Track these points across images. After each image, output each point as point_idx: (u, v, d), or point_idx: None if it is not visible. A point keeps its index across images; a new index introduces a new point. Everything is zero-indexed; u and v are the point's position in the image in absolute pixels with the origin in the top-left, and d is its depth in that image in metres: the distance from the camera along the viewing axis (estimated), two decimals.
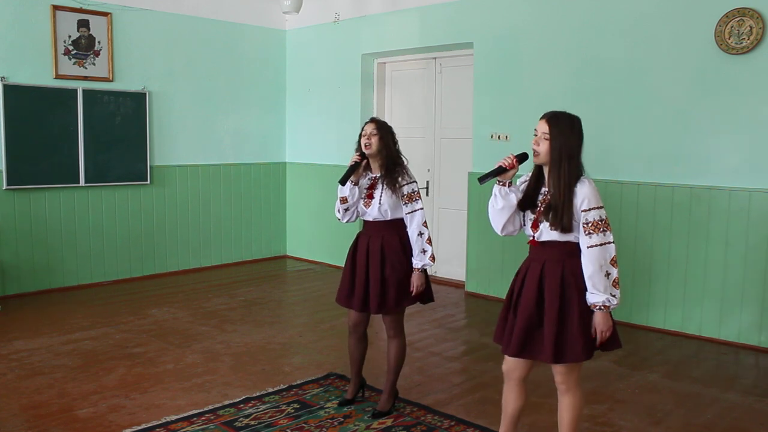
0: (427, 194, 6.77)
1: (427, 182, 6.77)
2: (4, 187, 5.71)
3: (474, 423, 3.41)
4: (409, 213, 3.33)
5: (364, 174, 3.41)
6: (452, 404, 3.67)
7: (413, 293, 3.35)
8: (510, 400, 2.79)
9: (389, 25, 6.66)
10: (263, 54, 7.53)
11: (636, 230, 5.14)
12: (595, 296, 2.50)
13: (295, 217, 7.85)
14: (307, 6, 6.91)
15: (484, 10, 5.92)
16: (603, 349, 2.61)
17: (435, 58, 6.66)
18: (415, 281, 3.33)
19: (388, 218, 3.35)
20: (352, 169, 3.33)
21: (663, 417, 3.55)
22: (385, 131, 3.34)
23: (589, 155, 5.32)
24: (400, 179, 3.32)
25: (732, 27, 4.56)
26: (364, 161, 3.37)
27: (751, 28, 4.49)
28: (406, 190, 3.32)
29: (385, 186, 3.31)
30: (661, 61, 4.93)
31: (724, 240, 4.74)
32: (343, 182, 3.33)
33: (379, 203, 3.33)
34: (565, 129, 2.52)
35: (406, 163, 3.42)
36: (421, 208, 3.33)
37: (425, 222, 3.33)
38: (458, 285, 6.47)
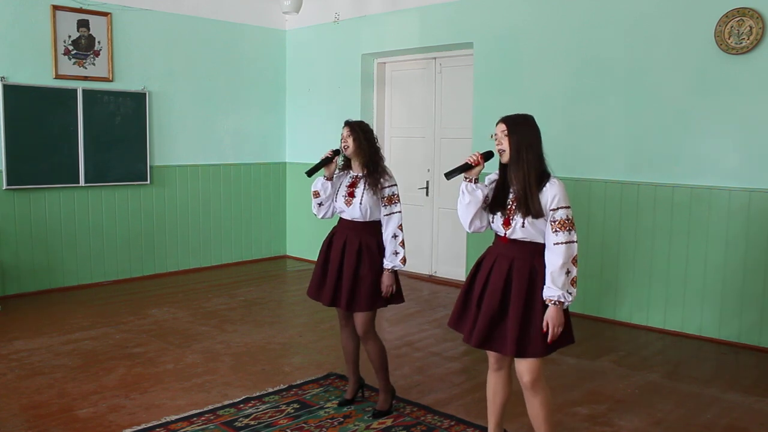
0: (427, 194, 6.78)
1: (427, 182, 6.77)
2: (4, 187, 5.71)
3: (474, 423, 3.41)
4: (387, 215, 3.36)
5: (345, 172, 3.46)
6: (452, 404, 3.67)
7: (383, 293, 3.36)
8: (498, 390, 2.88)
9: (389, 25, 6.66)
10: (263, 54, 7.54)
11: (636, 230, 5.14)
12: (551, 290, 2.58)
13: (295, 217, 7.85)
14: (307, 6, 6.91)
15: (484, 10, 5.92)
16: (556, 346, 2.66)
17: (435, 58, 6.66)
18: (386, 281, 3.35)
19: (368, 219, 3.37)
20: (322, 163, 3.40)
21: (663, 417, 3.55)
22: (358, 132, 3.38)
23: (589, 155, 5.34)
24: (382, 180, 3.35)
25: (732, 27, 4.56)
26: (336, 158, 3.43)
27: (751, 28, 4.49)
28: (387, 192, 3.35)
29: (367, 186, 3.35)
30: (661, 61, 4.93)
31: (724, 240, 4.74)
32: (309, 174, 3.42)
33: (360, 203, 3.35)
34: (520, 122, 2.68)
35: (383, 161, 3.45)
36: (400, 212, 3.37)
37: (401, 225, 3.36)
38: (458, 285, 6.46)
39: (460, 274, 6.46)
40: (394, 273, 3.39)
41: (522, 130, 2.65)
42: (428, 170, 6.76)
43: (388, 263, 3.35)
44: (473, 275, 2.83)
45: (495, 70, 5.89)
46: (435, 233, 6.79)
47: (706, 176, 4.80)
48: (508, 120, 2.69)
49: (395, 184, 3.40)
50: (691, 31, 4.77)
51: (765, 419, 3.55)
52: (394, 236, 3.34)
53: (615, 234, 5.25)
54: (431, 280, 6.72)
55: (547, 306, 2.60)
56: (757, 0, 4.48)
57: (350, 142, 3.36)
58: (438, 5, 6.23)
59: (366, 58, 7.00)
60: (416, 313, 5.52)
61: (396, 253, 3.34)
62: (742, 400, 3.80)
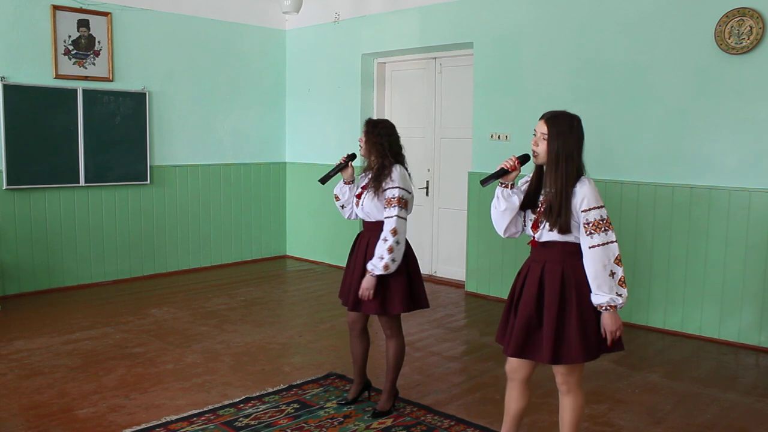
0: (427, 194, 6.78)
1: (427, 182, 6.77)
2: (4, 187, 5.71)
3: (474, 423, 3.41)
4: (384, 218, 3.26)
5: (365, 174, 3.43)
6: (452, 404, 3.67)
7: (359, 295, 3.27)
8: (513, 400, 2.79)
9: (389, 25, 6.66)
10: (263, 54, 7.53)
11: (636, 230, 5.14)
12: (599, 297, 2.49)
13: (295, 217, 7.85)
14: (307, 6, 6.92)
15: (484, 10, 5.92)
16: (602, 351, 2.59)
17: (435, 58, 6.66)
18: (363, 284, 3.25)
19: (372, 219, 3.35)
20: (336, 170, 3.39)
21: (663, 417, 3.55)
22: (373, 132, 3.34)
23: (589, 155, 5.33)
24: (384, 183, 3.27)
25: (732, 27, 4.56)
26: (350, 162, 3.43)
27: (751, 28, 4.49)
28: (387, 194, 3.26)
29: (370, 187, 3.34)
30: (661, 61, 4.93)
31: (724, 240, 4.74)
32: (322, 182, 3.41)
33: (362, 204, 3.35)
34: (563, 129, 2.51)
35: (405, 160, 3.41)
36: (396, 216, 3.21)
37: (394, 229, 3.19)
38: (458, 285, 6.47)
39: (460, 274, 6.46)
40: (378, 277, 3.25)
41: (564, 138, 2.49)
42: (428, 170, 6.76)
43: (369, 265, 3.24)
44: (514, 286, 2.73)
45: (495, 70, 5.89)
46: (435, 233, 6.79)
47: (706, 176, 4.80)
48: (552, 122, 2.52)
49: (398, 187, 3.25)
50: (691, 31, 4.77)
51: (765, 419, 3.55)
52: (384, 240, 3.21)
53: (615, 234, 5.24)
54: (431, 280, 6.72)
55: (583, 309, 2.51)
56: (757, 0, 4.48)
57: (363, 142, 3.38)
58: (438, 5, 6.23)
59: (366, 58, 7.00)
60: (416, 313, 5.51)
61: (381, 258, 3.19)
62: (742, 400, 3.80)
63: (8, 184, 5.71)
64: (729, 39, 4.58)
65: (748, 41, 4.50)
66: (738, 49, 4.55)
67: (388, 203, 3.25)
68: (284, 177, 7.89)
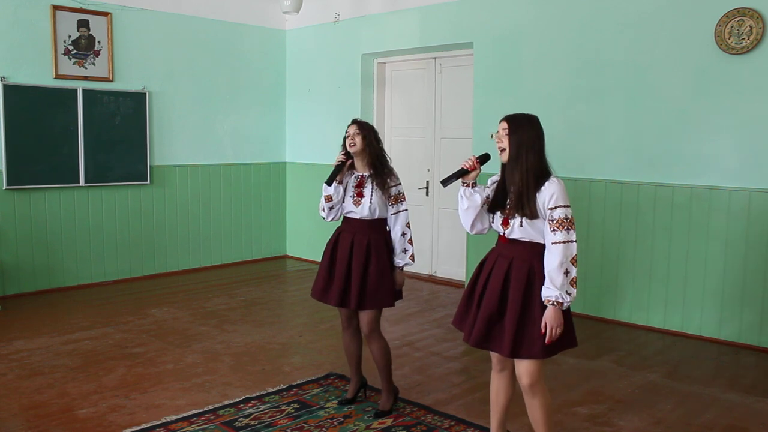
0: (427, 194, 6.78)
1: (427, 182, 6.77)
2: (4, 187, 5.71)
3: (474, 423, 3.41)
4: (394, 213, 3.42)
5: (349, 173, 3.46)
6: (452, 404, 3.67)
7: (398, 289, 3.44)
8: (501, 391, 2.87)
9: (389, 25, 6.66)
10: (263, 54, 7.54)
11: (636, 230, 5.14)
12: (549, 291, 2.56)
13: (295, 217, 7.85)
14: (307, 6, 6.92)
15: (484, 10, 5.92)
16: (557, 349, 2.64)
17: (435, 58, 6.66)
18: (398, 279, 3.44)
19: (375, 217, 3.40)
20: (338, 169, 3.41)
21: (663, 417, 3.55)
22: (367, 131, 3.42)
23: (589, 155, 5.34)
24: (389, 180, 3.40)
25: (732, 27, 4.56)
26: (349, 161, 3.44)
27: (751, 28, 4.49)
28: (393, 191, 3.40)
29: (375, 186, 3.37)
30: (661, 60, 4.93)
31: (724, 240, 4.74)
32: (329, 182, 3.41)
33: (370, 202, 3.37)
34: (522, 122, 2.66)
35: (389, 161, 3.50)
36: (406, 210, 3.44)
37: (408, 223, 3.45)
38: (458, 285, 6.47)
39: (460, 274, 6.46)
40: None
41: (524, 131, 2.64)
42: (428, 170, 6.76)
43: (399, 261, 3.42)
44: (476, 275, 2.82)
45: (495, 70, 5.89)
46: (435, 233, 6.79)
47: (706, 176, 4.80)
48: (510, 119, 2.68)
49: (401, 183, 3.45)
50: (691, 31, 4.77)
51: (765, 419, 3.55)
52: (403, 234, 3.41)
53: (615, 234, 5.25)
54: (431, 280, 6.72)
55: (546, 307, 2.58)
56: (757, 0, 4.48)
57: (358, 140, 3.38)
58: (438, 5, 6.23)
59: (366, 58, 7.00)
60: (416, 313, 5.52)
61: (405, 251, 3.42)
62: (742, 400, 3.80)
63: (8, 184, 5.71)
64: (729, 39, 4.58)
65: (748, 41, 4.50)
66: (738, 49, 4.55)
67: (396, 200, 3.41)
68: (284, 177, 7.89)
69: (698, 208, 4.84)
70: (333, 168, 3.41)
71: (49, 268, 6.04)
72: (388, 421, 3.42)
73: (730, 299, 4.74)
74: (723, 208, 4.73)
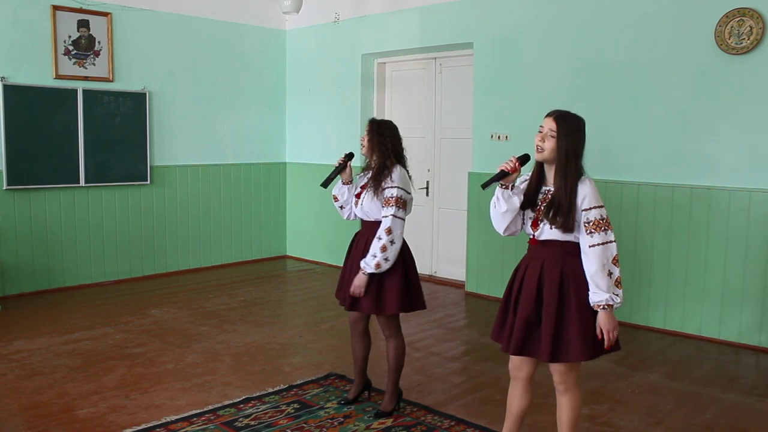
0: (427, 194, 6.77)
1: (427, 182, 6.77)
2: (4, 187, 5.71)
3: (474, 423, 3.41)
4: (382, 217, 3.26)
5: (365, 173, 3.43)
6: (452, 404, 3.67)
7: (351, 292, 3.28)
8: (515, 399, 2.78)
9: (389, 25, 6.66)
10: (263, 54, 7.54)
11: (636, 230, 5.14)
12: (597, 295, 2.49)
13: (295, 217, 7.85)
14: (307, 6, 6.92)
15: (484, 10, 5.92)
16: (600, 352, 2.57)
17: (435, 58, 6.66)
18: (355, 281, 3.27)
19: (371, 219, 3.35)
20: (336, 172, 3.39)
21: (663, 417, 3.55)
22: (376, 132, 3.35)
23: (589, 155, 5.33)
24: (383, 182, 3.29)
25: (732, 27, 4.56)
26: (349, 162, 3.42)
27: (751, 28, 4.49)
28: (386, 193, 3.27)
29: (370, 186, 3.34)
30: (661, 61, 4.93)
31: (724, 240, 4.74)
32: (324, 185, 3.39)
33: (361, 204, 3.35)
34: (572, 128, 2.53)
35: (406, 161, 3.42)
36: (392, 215, 3.22)
37: (389, 228, 3.21)
38: (458, 285, 6.47)
39: (460, 274, 6.46)
40: (372, 276, 3.26)
41: (573, 138, 2.51)
42: (428, 170, 6.76)
43: (362, 263, 3.25)
44: (510, 284, 2.73)
45: (495, 70, 5.89)
46: (435, 233, 6.79)
47: (706, 176, 4.80)
48: (561, 120, 2.52)
49: (397, 187, 3.26)
50: (691, 31, 4.77)
51: (765, 419, 3.55)
52: (378, 238, 3.22)
53: (615, 234, 5.24)
54: (431, 280, 6.72)
55: (582, 309, 2.51)
56: (757, 0, 4.48)
57: (366, 141, 3.38)
58: (438, 5, 6.23)
59: (366, 58, 7.00)
60: (416, 313, 5.48)
61: (374, 256, 3.21)
62: (742, 400, 3.80)
63: (8, 184, 5.71)
64: (729, 39, 4.58)
65: (748, 41, 4.50)
66: (738, 49, 4.55)
67: (386, 203, 3.26)
68: (284, 177, 7.89)
69: (698, 208, 4.84)
70: (332, 170, 3.43)
71: (49, 268, 6.04)
72: (388, 422, 3.42)
73: (730, 299, 4.74)
74: (723, 208, 4.73)
